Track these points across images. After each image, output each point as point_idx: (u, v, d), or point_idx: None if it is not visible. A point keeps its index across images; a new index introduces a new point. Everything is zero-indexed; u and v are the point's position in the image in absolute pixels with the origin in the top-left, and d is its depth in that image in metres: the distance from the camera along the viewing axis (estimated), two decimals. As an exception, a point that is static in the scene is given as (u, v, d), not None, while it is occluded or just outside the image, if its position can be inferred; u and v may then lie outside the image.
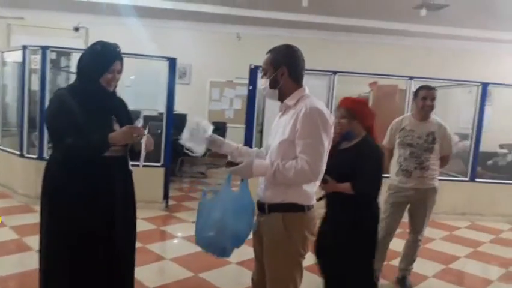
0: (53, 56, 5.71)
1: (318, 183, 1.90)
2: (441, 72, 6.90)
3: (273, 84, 1.87)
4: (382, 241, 3.22)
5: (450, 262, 3.98)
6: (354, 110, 2.49)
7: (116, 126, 2.09)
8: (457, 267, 3.92)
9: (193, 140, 1.99)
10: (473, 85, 5.55)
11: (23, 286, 3.00)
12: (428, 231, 3.49)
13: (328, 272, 2.53)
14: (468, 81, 5.94)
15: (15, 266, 3.26)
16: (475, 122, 5.37)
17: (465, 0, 6.45)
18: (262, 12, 7.91)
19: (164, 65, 5.07)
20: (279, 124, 1.91)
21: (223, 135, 8.13)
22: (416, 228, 3.28)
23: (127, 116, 2.21)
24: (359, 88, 7.77)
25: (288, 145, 1.79)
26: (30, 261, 3.03)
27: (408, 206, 3.24)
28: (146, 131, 2.02)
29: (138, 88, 7.64)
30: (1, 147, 5.52)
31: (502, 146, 7.23)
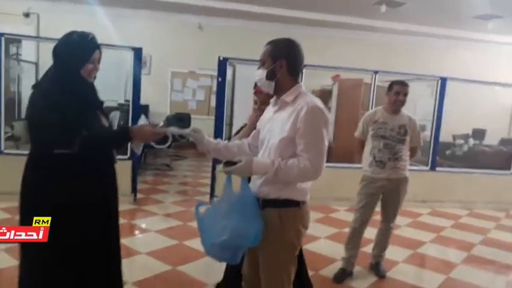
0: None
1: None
2: (401, 66, 7.18)
3: (269, 76, 1.84)
4: (358, 230, 3.35)
5: (417, 247, 4.18)
6: None
7: (104, 120, 2.02)
8: (423, 251, 4.14)
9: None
10: (433, 79, 5.82)
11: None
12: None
13: None
14: (428, 75, 6.21)
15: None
16: (435, 114, 5.64)
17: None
18: (224, 3, 7.81)
19: (126, 55, 4.89)
20: (275, 120, 1.87)
21: (187, 126, 7.99)
22: (388, 216, 3.40)
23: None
24: (321, 81, 7.96)
25: (287, 143, 1.78)
26: None
27: (381, 196, 3.35)
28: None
29: (97, 78, 7.32)
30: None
31: (454, 137, 7.70)
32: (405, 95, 3.27)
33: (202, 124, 8.08)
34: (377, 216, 3.46)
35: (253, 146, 2.02)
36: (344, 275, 3.32)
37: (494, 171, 6.00)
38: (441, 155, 6.24)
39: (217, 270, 3.19)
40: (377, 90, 5.43)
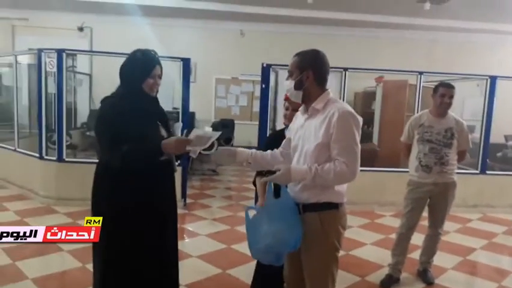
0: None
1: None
2: (446, 65, 6.98)
3: (297, 86, 1.94)
4: (404, 235, 3.33)
5: (467, 254, 4.07)
6: None
7: (163, 131, 2.17)
8: (474, 258, 4.02)
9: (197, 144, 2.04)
10: (482, 78, 5.61)
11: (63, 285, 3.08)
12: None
13: None
14: (476, 74, 5.99)
15: (50, 266, 3.30)
16: (484, 114, 5.45)
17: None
18: (266, 9, 7.96)
19: (173, 64, 5.10)
20: (306, 127, 1.96)
21: (231, 132, 8.23)
22: (436, 222, 3.35)
23: (166, 120, 2.30)
24: (364, 83, 7.86)
25: (322, 148, 1.86)
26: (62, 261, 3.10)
27: (428, 200, 3.31)
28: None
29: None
30: (19, 150, 5.54)
31: (506, 138, 7.34)
32: (451, 97, 3.22)
33: (245, 129, 8.29)
34: (425, 222, 3.42)
35: (284, 153, 2.14)
36: (390, 281, 3.31)
37: (550, 173, 5.68)
38: (492, 157, 6.02)
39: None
40: (423, 91, 5.33)
